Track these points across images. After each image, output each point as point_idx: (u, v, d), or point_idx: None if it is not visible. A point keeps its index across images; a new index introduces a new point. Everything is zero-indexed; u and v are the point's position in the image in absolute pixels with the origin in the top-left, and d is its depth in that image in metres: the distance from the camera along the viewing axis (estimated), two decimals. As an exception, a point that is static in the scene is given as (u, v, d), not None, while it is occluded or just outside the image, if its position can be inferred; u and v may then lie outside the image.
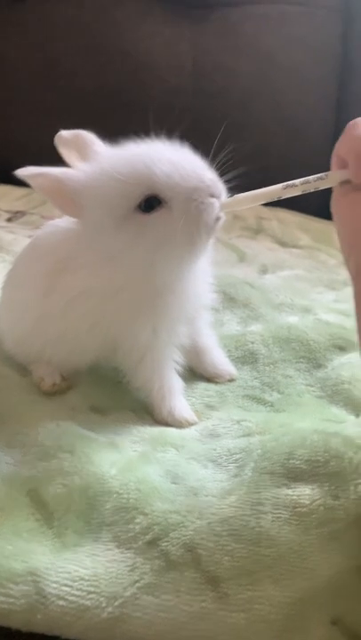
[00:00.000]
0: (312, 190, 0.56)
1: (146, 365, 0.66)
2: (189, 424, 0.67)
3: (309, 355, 0.80)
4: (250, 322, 0.90)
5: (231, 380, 0.76)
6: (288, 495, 0.54)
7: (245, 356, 0.80)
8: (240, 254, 1.17)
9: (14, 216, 1.25)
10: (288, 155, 1.51)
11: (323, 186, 0.55)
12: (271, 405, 0.72)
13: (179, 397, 0.68)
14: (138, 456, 0.60)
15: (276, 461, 0.57)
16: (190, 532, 0.51)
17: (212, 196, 0.58)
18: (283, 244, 1.26)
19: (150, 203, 0.59)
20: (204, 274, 0.70)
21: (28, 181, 0.60)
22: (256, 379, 0.77)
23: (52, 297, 0.66)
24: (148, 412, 0.69)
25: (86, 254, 0.63)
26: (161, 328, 0.65)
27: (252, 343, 0.82)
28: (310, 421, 0.65)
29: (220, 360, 0.76)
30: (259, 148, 1.47)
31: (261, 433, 0.63)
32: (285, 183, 0.57)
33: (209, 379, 0.76)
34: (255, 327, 0.87)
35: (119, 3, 1.44)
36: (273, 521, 0.52)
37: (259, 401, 0.73)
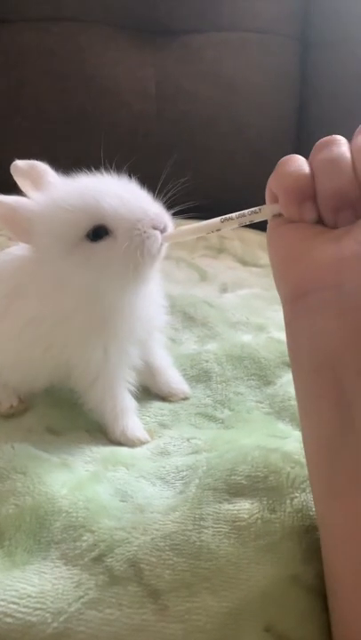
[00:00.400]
0: (248, 223, 0.60)
1: (98, 387, 0.70)
2: (142, 443, 0.70)
3: (260, 372, 0.83)
4: (207, 340, 0.94)
5: (185, 399, 0.79)
6: (229, 510, 0.57)
7: (200, 375, 0.84)
8: (202, 273, 1.21)
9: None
10: (251, 175, 1.55)
11: (257, 219, 0.59)
12: (222, 422, 0.76)
13: (132, 417, 0.71)
14: (89, 475, 0.63)
15: (219, 477, 0.60)
16: (134, 548, 0.53)
17: (156, 227, 0.62)
18: (244, 262, 1.31)
19: (98, 232, 0.63)
20: (155, 296, 0.73)
21: None
22: (209, 396, 0.80)
23: (6, 322, 0.69)
24: (102, 432, 0.72)
25: (37, 281, 0.66)
26: (111, 350, 0.69)
27: (207, 362, 0.85)
28: (256, 437, 0.68)
29: (174, 379, 0.80)
30: (223, 170, 1.52)
31: (208, 450, 0.67)
32: (223, 217, 0.60)
33: (163, 398, 0.79)
34: (211, 346, 0.90)
35: (84, 29, 1.48)
36: (213, 535, 0.55)
37: (210, 418, 0.76)
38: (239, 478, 0.59)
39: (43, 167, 0.69)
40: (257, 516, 0.56)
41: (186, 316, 1.00)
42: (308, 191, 0.50)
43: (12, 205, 0.64)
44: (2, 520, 0.57)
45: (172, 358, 0.86)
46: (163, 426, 0.74)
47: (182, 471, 0.64)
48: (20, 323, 0.68)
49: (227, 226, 0.62)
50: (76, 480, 0.62)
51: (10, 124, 1.46)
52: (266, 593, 0.52)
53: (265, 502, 0.57)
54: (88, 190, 0.63)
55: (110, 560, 0.53)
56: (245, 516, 0.56)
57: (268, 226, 0.60)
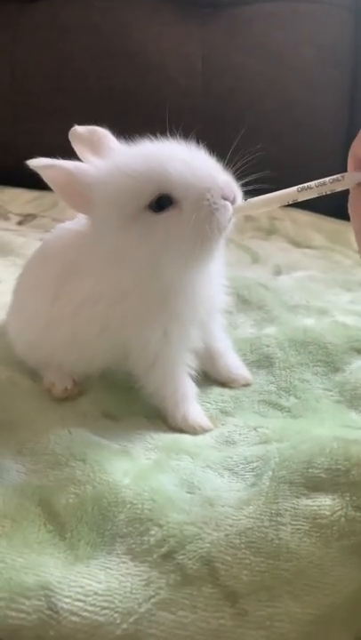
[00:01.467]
0: (328, 192, 0.55)
1: (158, 370, 0.65)
2: (204, 430, 0.65)
3: (327, 358, 0.78)
4: (264, 324, 0.88)
5: (246, 385, 0.74)
6: (308, 506, 0.52)
7: (261, 360, 0.78)
8: (253, 255, 1.15)
9: (25, 219, 1.25)
10: (301, 155, 1.48)
11: (339, 187, 0.54)
12: (288, 411, 0.70)
13: (192, 403, 0.67)
14: (152, 464, 0.59)
15: (295, 470, 0.55)
16: (207, 545, 0.49)
17: (225, 198, 0.57)
18: (296, 244, 1.24)
19: (161, 202, 0.57)
20: (217, 275, 0.68)
21: (40, 172, 0.59)
22: (272, 383, 0.75)
23: (61, 301, 0.64)
24: (161, 418, 0.67)
25: (93, 257, 0.62)
26: (172, 332, 0.64)
27: (268, 346, 0.80)
28: (329, 428, 0.63)
29: (234, 364, 0.74)
30: (270, 148, 1.45)
31: (279, 440, 0.61)
32: (301, 186, 0.55)
33: (223, 383, 0.74)
34: (270, 330, 0.85)
35: (128, 3, 1.43)
36: (292, 533, 0.50)
37: (275, 406, 0.71)
38: (317, 471, 0.54)
39: (103, 132, 0.64)
40: (340, 513, 0.51)
41: (240, 298, 0.95)
42: None
43: (70, 170, 0.59)
44: (62, 509, 0.53)
45: (232, 342, 0.81)
46: (224, 413, 0.70)
47: (252, 462, 0.59)
48: (74, 302, 0.64)
49: (304, 196, 0.56)
50: (138, 469, 0.57)
51: (52, 102, 1.42)
52: (354, 599, 0.47)
53: (348, 498, 0.52)
54: (153, 155, 0.58)
55: (182, 557, 0.48)
56: (327, 513, 0.51)
57: (350, 196, 0.55)
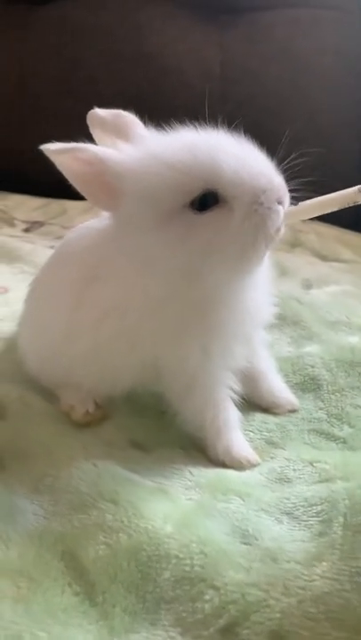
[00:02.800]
0: None
1: (196, 393, 0.55)
2: (251, 465, 0.55)
3: (381, 381, 0.68)
4: (303, 342, 0.79)
5: (292, 411, 0.64)
6: (396, 562, 0.42)
7: (306, 382, 0.69)
8: (281, 268, 1.06)
9: (32, 226, 1.16)
10: (321, 162, 1.41)
11: None
12: (343, 442, 0.61)
13: (236, 432, 0.57)
14: (194, 506, 0.49)
15: (374, 516, 0.45)
16: (277, 615, 0.39)
17: (280, 202, 0.49)
18: (323, 257, 1.16)
19: (206, 200, 0.49)
20: (263, 284, 0.59)
21: (54, 159, 0.49)
22: (321, 409, 0.65)
23: (82, 310, 0.55)
24: (198, 449, 0.57)
25: (121, 259, 0.52)
26: (213, 349, 0.54)
27: (313, 367, 0.71)
28: None
29: (278, 387, 0.65)
30: (290, 155, 1.38)
31: (344, 478, 0.52)
32: (360, 186, 0.48)
33: (266, 409, 0.65)
34: (312, 348, 0.75)
35: (143, 6, 1.36)
36: (382, 598, 0.40)
37: (328, 436, 0.61)
38: None
39: (131, 117, 0.56)
40: None
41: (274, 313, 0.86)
42: None
43: (97, 155, 0.49)
44: (90, 564, 0.43)
45: (268, 362, 0.72)
46: (271, 444, 0.60)
47: (315, 505, 0.49)
48: (97, 312, 0.54)
49: None
50: (180, 512, 0.47)
51: (62, 106, 1.34)
52: None
53: None
54: (200, 146, 0.49)
55: (247, 632, 0.38)
56: None
57: None
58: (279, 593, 0.40)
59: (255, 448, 0.58)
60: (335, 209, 0.51)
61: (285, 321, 0.84)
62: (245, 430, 0.61)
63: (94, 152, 0.50)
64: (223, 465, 0.55)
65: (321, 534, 0.46)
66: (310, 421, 0.63)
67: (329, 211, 0.51)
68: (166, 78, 1.36)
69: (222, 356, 0.56)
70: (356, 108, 1.44)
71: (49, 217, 1.23)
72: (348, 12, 1.41)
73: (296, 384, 0.69)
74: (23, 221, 1.18)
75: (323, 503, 0.48)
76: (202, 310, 0.53)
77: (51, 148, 0.49)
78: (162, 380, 0.56)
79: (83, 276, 0.56)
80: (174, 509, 0.48)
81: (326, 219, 1.37)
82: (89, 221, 0.61)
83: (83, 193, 0.52)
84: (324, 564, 0.42)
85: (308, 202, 0.51)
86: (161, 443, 0.57)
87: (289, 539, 0.46)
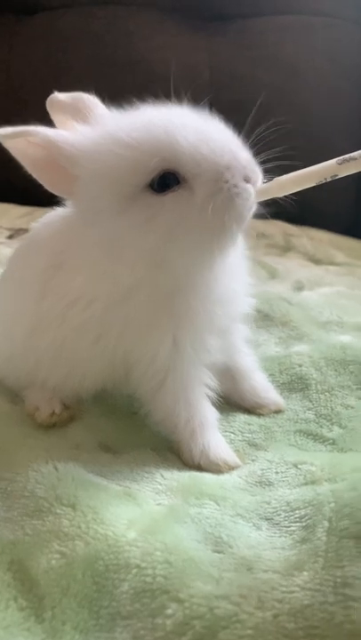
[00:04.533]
0: None
1: (168, 391, 0.51)
2: (229, 467, 0.51)
3: (373, 379, 0.64)
4: (292, 342, 0.75)
5: (278, 412, 0.60)
6: (387, 571, 0.37)
7: (293, 382, 0.64)
8: (270, 271, 1.03)
9: (16, 233, 1.13)
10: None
11: None
12: (333, 443, 0.56)
13: (214, 433, 0.52)
14: (165, 512, 0.44)
15: (362, 519, 0.40)
16: (249, 632, 0.34)
17: (247, 180, 0.45)
18: (316, 261, 1.12)
19: (165, 180, 0.45)
20: (238, 270, 0.55)
21: (7, 144, 0.46)
22: (309, 410, 0.61)
23: (47, 301, 0.51)
24: (172, 451, 0.52)
25: (85, 246, 0.48)
26: (184, 340, 0.50)
27: (300, 366, 0.66)
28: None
29: (262, 386, 0.60)
30: (280, 159, 1.36)
31: (331, 480, 0.47)
32: (341, 157, 0.45)
33: (249, 409, 0.60)
34: (301, 348, 0.71)
35: (132, 14, 1.36)
36: (370, 612, 0.35)
37: (316, 437, 0.57)
38: (394, 522, 0.40)
39: (90, 98, 0.52)
40: None
41: (261, 314, 0.81)
42: None
43: (49, 137, 0.46)
44: (41, 576, 0.38)
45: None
46: (253, 446, 0.55)
47: (298, 509, 0.44)
48: (62, 302, 0.50)
49: (345, 170, 0.46)
50: (147, 518, 0.42)
51: (45, 113, 1.32)
52: None
53: None
54: (157, 122, 0.46)
55: (214, 651, 0.33)
56: None
57: None
58: (253, 606, 0.35)
59: (236, 450, 0.54)
60: (313, 184, 0.47)
61: (273, 321, 0.80)
62: (226, 432, 0.56)
63: (45, 134, 0.46)
64: (199, 468, 0.51)
65: (304, 541, 0.41)
66: (297, 422, 0.59)
67: (307, 186, 0.47)
68: (154, 84, 1.34)
69: (195, 348, 0.51)
70: (348, 112, 1.43)
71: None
72: (339, 18, 1.40)
73: (283, 384, 0.64)
74: (7, 229, 1.15)
75: (306, 507, 0.44)
76: (171, 299, 0.49)
77: (1, 133, 0.45)
78: (132, 377, 0.52)
79: (48, 265, 0.52)
80: (141, 515, 0.43)
81: (319, 225, 1.35)
82: (58, 210, 0.58)
83: (39, 179, 0.48)
84: (306, 573, 0.37)
85: (283, 177, 0.48)
86: (132, 445, 0.53)
87: (268, 546, 0.41)
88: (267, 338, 0.77)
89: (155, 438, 0.53)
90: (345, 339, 0.72)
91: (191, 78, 1.34)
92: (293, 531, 0.42)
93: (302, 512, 0.43)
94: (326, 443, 0.56)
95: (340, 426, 0.58)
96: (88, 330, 0.50)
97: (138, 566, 0.37)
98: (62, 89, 1.43)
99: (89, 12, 1.36)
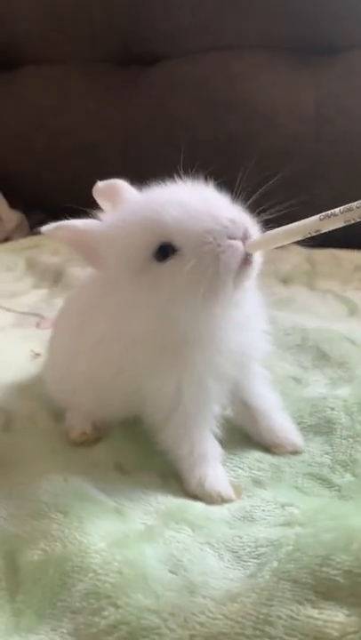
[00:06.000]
0: (358, 220, 0.45)
1: (173, 426, 0.57)
2: (222, 500, 0.55)
3: None
4: (340, 384, 0.75)
5: (295, 453, 0.62)
6: (310, 618, 0.39)
7: (320, 425, 0.65)
8: (351, 307, 1.01)
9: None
10: None
11: None
12: (338, 490, 0.57)
13: (213, 466, 0.57)
14: (142, 530, 0.50)
15: (305, 565, 0.42)
16: (164, 645, 0.39)
17: (232, 237, 0.50)
18: None
19: (165, 251, 0.52)
20: (252, 321, 0.59)
21: (53, 237, 0.57)
22: (327, 454, 0.61)
23: (82, 337, 0.61)
24: (177, 478, 0.58)
25: (108, 299, 0.57)
26: (187, 385, 0.56)
27: (332, 410, 0.67)
28: (376, 517, 0.48)
29: (281, 426, 0.63)
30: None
31: (304, 524, 0.49)
32: (323, 213, 0.47)
33: (267, 448, 0.63)
34: (342, 391, 0.71)
35: (239, 56, 1.43)
36: (281, 652, 0.37)
37: (324, 482, 0.58)
38: (334, 573, 0.41)
39: (120, 184, 0.61)
40: (352, 637, 0.38)
41: (319, 353, 0.82)
42: None
43: (77, 228, 0.56)
44: (25, 565, 0.46)
45: (290, 402, 0.69)
46: (257, 483, 0.58)
47: (261, 546, 0.47)
48: (92, 340, 0.60)
49: (328, 225, 0.48)
50: (122, 533, 0.49)
51: (161, 155, 1.45)
52: None
53: (368, 618, 0.38)
54: (150, 203, 0.53)
55: (128, 654, 0.38)
56: (335, 634, 0.38)
57: None
58: (176, 624, 0.40)
59: (239, 485, 0.57)
60: (300, 238, 0.50)
61: (330, 362, 0.81)
62: (235, 467, 0.60)
63: (74, 225, 0.57)
64: (196, 497, 0.56)
65: (251, 576, 0.44)
66: (310, 465, 0.60)
67: (294, 240, 0.50)
68: (256, 121, 1.40)
69: (197, 391, 0.57)
70: None
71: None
72: None
73: (310, 426, 0.66)
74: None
75: (268, 546, 0.47)
76: (176, 349, 0.56)
77: (46, 229, 0.56)
78: (145, 410, 0.59)
79: (84, 307, 0.62)
80: (120, 530, 0.49)
81: None
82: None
83: (83, 259, 0.59)
84: (236, 605, 0.41)
85: (272, 231, 0.51)
86: (143, 468, 0.59)
87: (219, 575, 0.45)
88: (319, 378, 0.78)
89: (165, 465, 0.59)
90: (391, 385, 0.70)
91: (295, 113, 1.38)
92: (249, 566, 0.46)
93: (263, 550, 0.46)
94: (332, 489, 0.57)
95: (353, 474, 0.58)
96: (110, 366, 0.58)
97: (95, 571, 0.44)
98: (171, 134, 1.56)
99: (199, 59, 1.47)
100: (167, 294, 0.52)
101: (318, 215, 0.49)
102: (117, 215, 0.56)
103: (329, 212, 0.48)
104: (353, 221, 0.45)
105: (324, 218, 0.48)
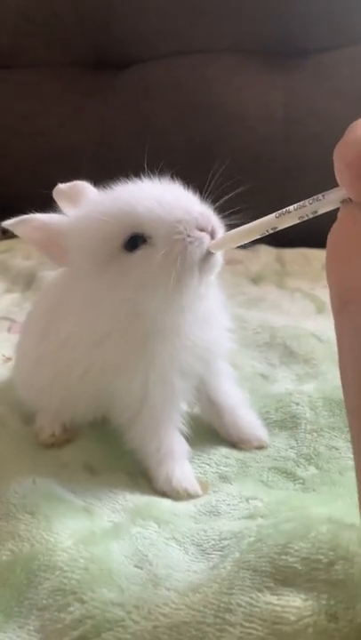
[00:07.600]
0: (310, 216, 0.47)
1: (140, 423, 0.58)
2: (189, 496, 0.56)
3: (364, 423, 0.64)
4: (306, 380, 0.77)
5: (260, 448, 0.64)
6: (269, 604, 0.40)
7: (285, 420, 0.67)
8: (319, 305, 1.04)
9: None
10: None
11: (323, 209, 0.45)
12: (302, 482, 0.58)
13: (179, 463, 0.58)
14: (109, 528, 0.51)
15: (265, 555, 0.43)
16: (127, 637, 0.40)
17: (202, 229, 0.51)
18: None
19: (135, 241, 0.53)
20: (215, 318, 0.60)
21: (14, 230, 0.57)
22: (292, 448, 0.63)
23: (48, 339, 0.61)
24: (145, 476, 0.59)
25: (72, 299, 0.58)
26: (154, 381, 0.57)
27: (297, 405, 0.69)
28: (334, 507, 0.50)
29: (246, 422, 0.64)
30: None
31: (266, 516, 0.50)
32: (279, 211, 0.48)
33: (233, 444, 0.64)
34: (307, 386, 0.73)
35: (212, 60, 1.45)
36: (240, 638, 0.39)
37: (288, 476, 0.59)
38: (292, 560, 0.42)
39: (82, 185, 0.62)
40: (308, 620, 0.39)
41: (287, 350, 0.84)
42: None
43: (42, 221, 0.57)
44: (-7, 567, 0.47)
45: (257, 398, 0.71)
46: (223, 479, 0.60)
47: (225, 539, 0.48)
48: (57, 341, 0.60)
49: (284, 222, 0.49)
50: (89, 531, 0.50)
51: (135, 158, 1.46)
52: None
53: (324, 602, 0.40)
54: (121, 196, 0.55)
55: (93, 647, 0.39)
56: (292, 618, 0.39)
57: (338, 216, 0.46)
58: (140, 616, 0.41)
59: (204, 481, 0.59)
60: (258, 236, 0.51)
61: (297, 358, 0.83)
62: (202, 463, 0.61)
63: (39, 219, 0.57)
64: (163, 494, 0.57)
65: (213, 568, 0.45)
66: (276, 459, 0.62)
67: (253, 238, 0.51)
68: (229, 124, 1.42)
69: (163, 388, 0.58)
70: None
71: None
72: None
73: (275, 421, 0.67)
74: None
75: (231, 538, 0.48)
76: (141, 344, 0.57)
77: (9, 223, 0.57)
78: (112, 409, 0.60)
79: (50, 309, 0.63)
80: (87, 527, 0.50)
81: None
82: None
83: (44, 254, 0.60)
84: (198, 595, 0.42)
85: (232, 231, 0.53)
86: (112, 468, 0.60)
87: (183, 568, 0.46)
88: (286, 375, 0.80)
89: (133, 464, 0.60)
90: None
91: (265, 116, 1.40)
92: (212, 558, 0.47)
93: (226, 542, 0.48)
94: (296, 482, 0.59)
95: (317, 467, 0.60)
96: (75, 366, 0.59)
97: (61, 569, 0.45)
98: (147, 137, 1.56)
99: (174, 63, 1.48)
100: (136, 283, 0.53)
101: (274, 213, 0.50)
102: (85, 208, 0.57)
103: (284, 209, 0.49)
104: (306, 217, 0.46)
105: (280, 215, 0.49)
